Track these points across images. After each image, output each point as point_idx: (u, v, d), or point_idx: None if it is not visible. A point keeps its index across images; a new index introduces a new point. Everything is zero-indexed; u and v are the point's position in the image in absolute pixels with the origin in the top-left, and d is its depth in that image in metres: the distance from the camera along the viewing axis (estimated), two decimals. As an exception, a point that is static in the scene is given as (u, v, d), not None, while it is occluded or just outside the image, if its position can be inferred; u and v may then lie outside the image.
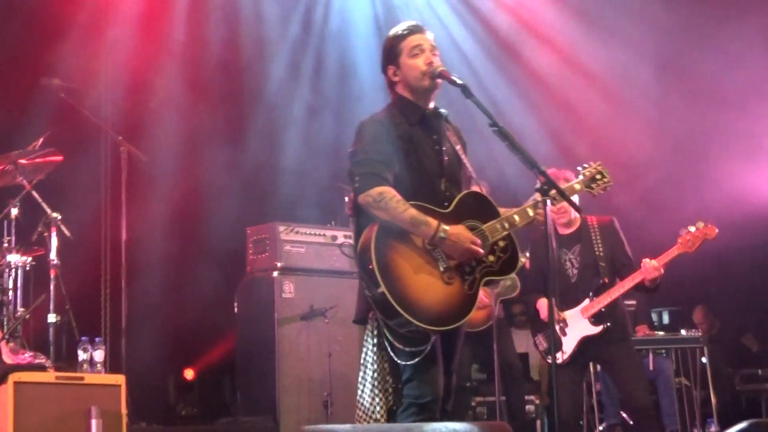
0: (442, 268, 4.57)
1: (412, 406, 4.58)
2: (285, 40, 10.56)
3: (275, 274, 8.26)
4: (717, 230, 6.45)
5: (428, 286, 4.52)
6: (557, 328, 6.54)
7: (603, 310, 6.59)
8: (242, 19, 10.07)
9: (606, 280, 6.67)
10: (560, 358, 6.53)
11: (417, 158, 4.75)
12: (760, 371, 9.90)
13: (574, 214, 6.75)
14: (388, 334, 4.57)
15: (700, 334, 8.12)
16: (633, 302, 9.50)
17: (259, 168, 10.12)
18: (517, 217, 4.76)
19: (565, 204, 5.78)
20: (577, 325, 6.62)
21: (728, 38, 9.74)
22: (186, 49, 9.75)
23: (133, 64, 9.32)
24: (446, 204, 4.70)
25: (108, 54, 9.24)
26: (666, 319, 9.23)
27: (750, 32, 9.66)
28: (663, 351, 8.69)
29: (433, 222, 4.54)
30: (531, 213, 4.77)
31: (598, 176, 5.12)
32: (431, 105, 4.88)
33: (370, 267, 4.45)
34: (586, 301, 6.66)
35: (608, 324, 6.57)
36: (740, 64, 9.80)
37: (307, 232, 8.58)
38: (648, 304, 9.56)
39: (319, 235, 8.63)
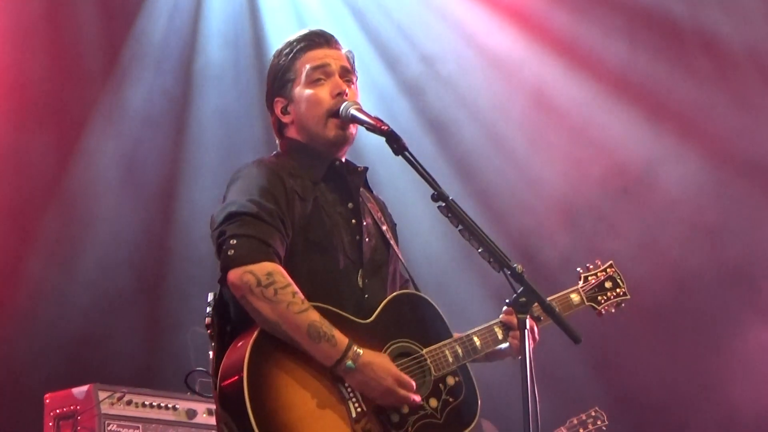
0: (354, 414, 3.34)
1: None
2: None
3: (92, 470, 5.94)
4: None
5: None
6: None
7: None
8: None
9: None
10: None
11: (323, 232, 3.53)
12: None
13: None
14: None
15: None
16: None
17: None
18: (477, 341, 3.65)
19: None
20: None
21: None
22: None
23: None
24: (364, 311, 3.49)
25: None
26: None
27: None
28: None
29: (342, 340, 3.28)
30: (500, 335, 3.65)
31: (608, 284, 4.09)
32: (342, 158, 3.74)
33: (242, 401, 3.18)
34: None
35: None
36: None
37: (145, 403, 6.31)
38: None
39: (165, 408, 6.31)
